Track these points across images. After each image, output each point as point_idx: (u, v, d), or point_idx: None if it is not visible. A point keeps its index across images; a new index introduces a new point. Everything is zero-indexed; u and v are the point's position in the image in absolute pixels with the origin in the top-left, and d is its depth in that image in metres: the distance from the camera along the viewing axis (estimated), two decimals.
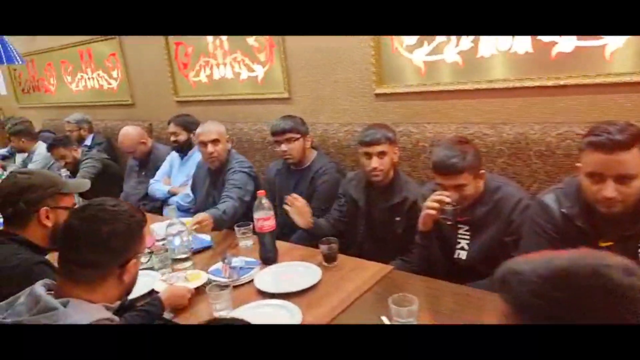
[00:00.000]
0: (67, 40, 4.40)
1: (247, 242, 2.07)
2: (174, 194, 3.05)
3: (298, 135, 2.34)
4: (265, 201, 1.87)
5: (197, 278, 1.74)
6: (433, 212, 1.67)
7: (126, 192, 3.43)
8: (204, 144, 2.45)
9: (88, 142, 4.01)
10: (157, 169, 3.30)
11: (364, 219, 2.10)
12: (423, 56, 2.30)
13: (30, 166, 4.00)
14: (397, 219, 2.02)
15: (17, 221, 1.44)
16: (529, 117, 2.07)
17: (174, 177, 3.18)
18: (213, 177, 2.59)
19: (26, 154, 4.17)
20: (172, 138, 3.10)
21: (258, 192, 1.89)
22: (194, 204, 2.95)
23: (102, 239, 1.04)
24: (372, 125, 2.04)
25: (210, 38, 3.23)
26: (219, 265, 1.85)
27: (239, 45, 3.08)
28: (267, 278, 1.75)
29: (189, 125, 3.12)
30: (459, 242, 1.82)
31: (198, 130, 2.54)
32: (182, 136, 3.09)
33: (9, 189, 1.44)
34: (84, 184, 1.68)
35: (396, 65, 2.40)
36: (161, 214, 3.09)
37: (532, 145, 2.00)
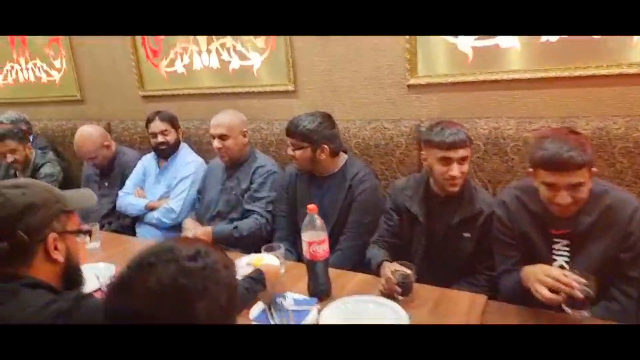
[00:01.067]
0: None
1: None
2: (152, 209, 2.49)
3: (305, 145, 1.89)
4: (317, 219, 1.43)
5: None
6: (554, 297, 1.23)
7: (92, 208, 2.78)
8: (212, 137, 2.22)
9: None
10: (124, 177, 2.70)
11: (424, 236, 1.72)
12: (472, 41, 1.98)
13: None
14: (467, 235, 1.66)
15: (16, 258, 0.97)
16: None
17: (149, 187, 2.60)
18: (227, 173, 2.30)
19: None
20: (159, 139, 2.52)
21: (309, 207, 1.45)
22: (178, 220, 2.42)
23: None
24: (444, 122, 1.65)
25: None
26: (260, 305, 1.40)
27: None
28: (335, 321, 1.32)
29: (176, 121, 2.58)
30: (555, 260, 1.51)
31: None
32: (172, 135, 2.54)
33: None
34: (89, 195, 1.18)
35: (435, 52, 2.07)
36: (133, 234, 2.52)
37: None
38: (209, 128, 2.55)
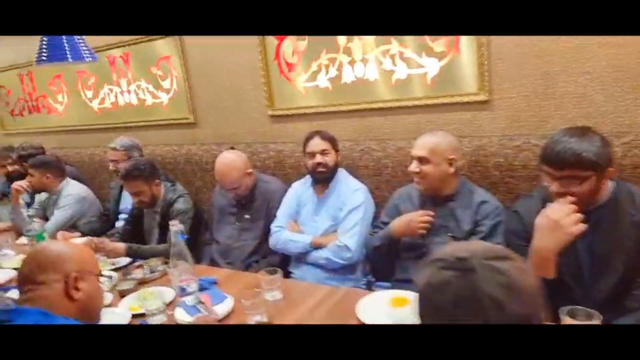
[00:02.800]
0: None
1: (275, 294, 1.69)
2: (317, 247, 2.12)
3: (589, 174, 1.36)
4: None
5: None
6: None
7: (223, 243, 2.44)
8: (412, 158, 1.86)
9: None
10: (270, 209, 2.36)
11: None
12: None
13: (58, 213, 2.92)
14: None
15: None
16: None
17: (306, 220, 2.25)
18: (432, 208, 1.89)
19: (47, 195, 3.08)
20: (318, 159, 2.18)
21: None
22: (353, 259, 2.06)
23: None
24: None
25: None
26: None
27: None
28: None
29: (336, 142, 2.23)
30: None
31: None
32: (331, 157, 2.19)
33: None
34: None
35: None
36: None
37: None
38: (366, 150, 2.25)
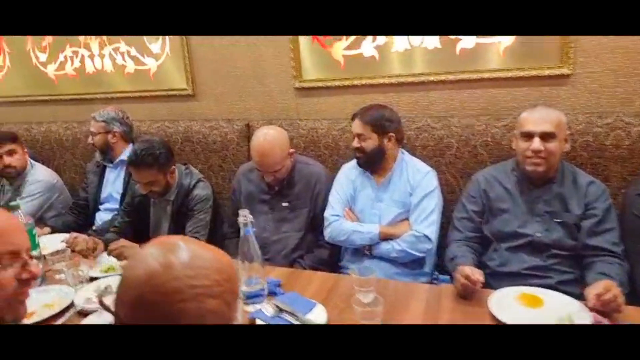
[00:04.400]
0: None
1: (370, 295, 1.36)
2: (386, 238, 1.84)
3: None
4: None
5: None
6: None
7: (257, 237, 2.04)
8: (527, 135, 1.60)
9: (126, 155, 2.44)
10: (315, 195, 2.02)
11: None
12: None
13: (29, 203, 2.31)
14: None
15: None
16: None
17: (365, 208, 1.93)
18: (533, 191, 1.67)
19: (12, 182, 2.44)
20: (355, 143, 1.89)
21: None
22: (433, 251, 1.82)
23: None
24: None
25: None
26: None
27: None
28: None
29: (380, 125, 1.92)
30: None
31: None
32: (371, 141, 1.88)
33: None
34: None
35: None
36: (331, 269, 1.86)
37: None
38: (423, 127, 2.02)
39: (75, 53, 2.84)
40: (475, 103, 2.06)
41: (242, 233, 1.46)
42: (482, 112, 2.04)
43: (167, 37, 2.56)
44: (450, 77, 2.07)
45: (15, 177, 2.36)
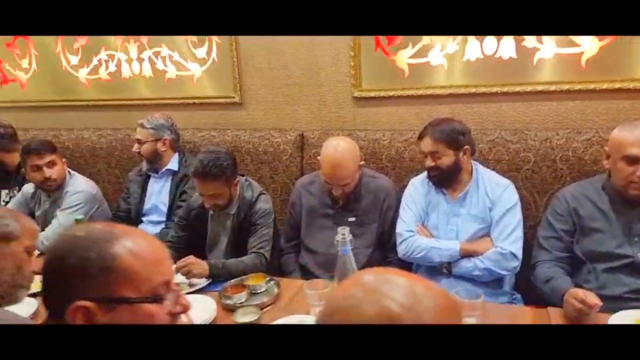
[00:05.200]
0: None
1: (473, 320, 1.30)
2: (467, 255, 1.73)
3: None
4: None
5: None
6: None
7: (323, 253, 1.92)
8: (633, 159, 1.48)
9: (173, 165, 2.31)
10: (384, 211, 1.92)
11: None
12: None
13: (64, 217, 2.15)
14: None
15: None
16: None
17: (438, 223, 1.82)
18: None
19: (32, 190, 2.28)
20: (428, 163, 1.78)
21: None
22: (518, 269, 1.72)
23: None
24: None
25: None
26: None
27: None
28: None
29: (455, 139, 1.81)
30: None
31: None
32: (446, 158, 1.77)
33: None
34: None
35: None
36: None
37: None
38: (497, 140, 1.94)
39: (111, 56, 2.71)
40: (552, 116, 1.98)
41: (339, 252, 1.35)
42: (560, 126, 1.96)
43: (214, 42, 2.45)
44: (527, 88, 1.98)
45: (55, 190, 2.20)
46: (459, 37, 2.02)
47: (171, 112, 2.56)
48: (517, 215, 1.75)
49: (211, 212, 1.95)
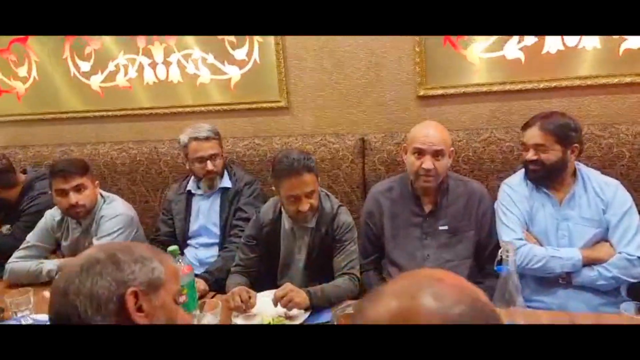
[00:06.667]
0: None
1: None
2: (590, 263, 1.57)
3: None
4: None
5: None
6: None
7: (412, 266, 1.72)
8: None
9: (226, 182, 2.04)
10: (477, 216, 1.74)
11: None
12: None
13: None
14: None
15: None
16: None
17: (547, 228, 1.65)
18: None
19: (59, 216, 1.95)
20: (530, 155, 1.63)
21: None
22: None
23: None
24: None
25: None
26: None
27: None
28: None
29: (565, 133, 1.68)
30: None
31: None
32: (552, 153, 1.62)
33: None
34: None
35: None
36: None
37: None
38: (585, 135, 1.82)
39: (131, 61, 2.42)
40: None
41: (503, 271, 1.16)
42: None
43: (255, 41, 2.22)
44: (603, 81, 1.88)
45: (84, 217, 1.89)
46: None
47: (205, 120, 2.29)
48: (636, 217, 1.61)
49: (286, 226, 1.71)
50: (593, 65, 1.89)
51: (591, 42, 1.87)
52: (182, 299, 0.89)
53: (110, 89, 2.49)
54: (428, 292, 0.49)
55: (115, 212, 1.89)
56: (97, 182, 1.92)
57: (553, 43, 1.90)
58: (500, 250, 1.17)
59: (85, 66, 2.49)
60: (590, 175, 1.70)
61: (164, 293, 0.78)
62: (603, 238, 1.63)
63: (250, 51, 2.24)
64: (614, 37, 1.84)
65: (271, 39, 2.18)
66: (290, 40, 2.17)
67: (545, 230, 1.68)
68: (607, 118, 1.92)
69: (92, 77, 2.50)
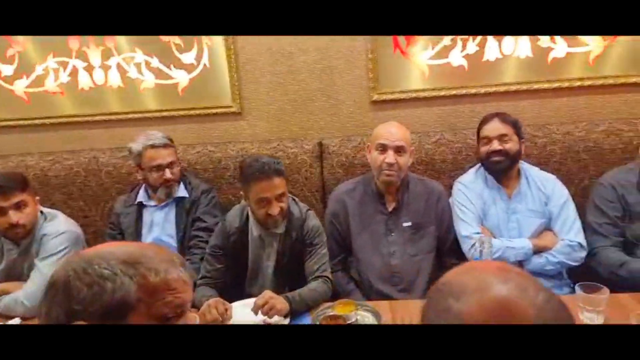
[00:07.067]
0: None
1: (594, 317, 1.35)
2: (539, 251, 1.72)
3: None
4: None
5: None
6: None
7: (381, 264, 1.76)
8: None
9: (182, 192, 1.94)
10: (440, 214, 1.83)
11: None
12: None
13: (46, 266, 1.66)
14: None
15: None
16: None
17: (497, 222, 1.80)
18: None
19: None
20: (495, 146, 1.76)
21: None
22: (585, 259, 1.76)
23: None
24: None
25: None
26: None
27: None
28: None
29: (520, 128, 1.86)
30: None
31: None
32: (513, 143, 1.78)
33: None
34: None
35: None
36: None
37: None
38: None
39: (63, 64, 2.22)
40: (570, 110, 2.10)
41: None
42: (578, 119, 2.09)
43: (204, 44, 2.15)
44: (539, 86, 2.09)
45: (24, 237, 1.69)
46: (479, 38, 2.05)
47: (148, 127, 2.16)
48: (572, 207, 1.79)
49: (254, 233, 1.67)
50: (526, 72, 2.09)
51: (524, 51, 2.06)
52: (192, 316, 0.74)
53: (38, 94, 2.26)
54: (511, 283, 0.49)
55: (59, 229, 1.72)
56: (37, 197, 1.73)
57: (492, 52, 2.07)
58: (476, 243, 1.23)
59: (7, 70, 2.24)
60: (532, 171, 1.87)
61: (137, 317, 0.66)
62: (546, 228, 1.80)
63: (199, 55, 2.16)
64: (544, 46, 2.05)
65: (221, 43, 2.13)
66: (242, 43, 2.13)
67: (498, 224, 1.81)
68: (540, 119, 2.12)
69: (15, 81, 2.25)
